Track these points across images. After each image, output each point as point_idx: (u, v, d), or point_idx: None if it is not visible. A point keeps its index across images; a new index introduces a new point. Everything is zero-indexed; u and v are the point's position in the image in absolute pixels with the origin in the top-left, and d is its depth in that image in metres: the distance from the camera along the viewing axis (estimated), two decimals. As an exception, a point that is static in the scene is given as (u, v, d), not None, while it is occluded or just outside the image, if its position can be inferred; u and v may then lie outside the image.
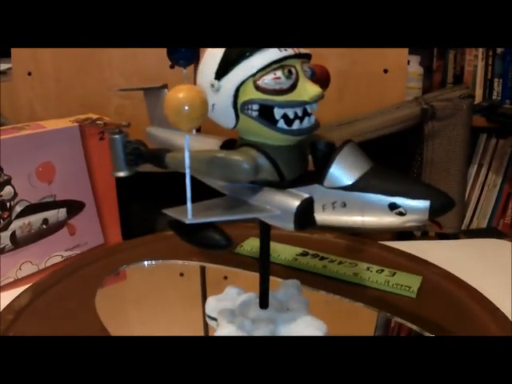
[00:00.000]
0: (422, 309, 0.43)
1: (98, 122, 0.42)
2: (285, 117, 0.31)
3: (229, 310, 0.40)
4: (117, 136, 0.38)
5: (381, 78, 0.67)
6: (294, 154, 0.33)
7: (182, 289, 0.51)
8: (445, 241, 0.67)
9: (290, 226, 0.32)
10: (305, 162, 0.34)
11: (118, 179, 0.61)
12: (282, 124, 0.31)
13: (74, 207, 0.59)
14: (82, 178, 0.59)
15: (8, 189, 0.54)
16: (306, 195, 0.32)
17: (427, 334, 0.39)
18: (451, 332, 0.40)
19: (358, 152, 0.32)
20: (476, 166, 0.93)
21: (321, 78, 0.34)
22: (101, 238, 0.61)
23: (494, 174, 0.94)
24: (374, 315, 0.43)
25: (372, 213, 0.30)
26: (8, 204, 0.54)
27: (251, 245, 0.53)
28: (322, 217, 0.32)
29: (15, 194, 0.54)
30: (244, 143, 0.34)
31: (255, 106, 0.31)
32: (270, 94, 0.31)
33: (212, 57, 0.32)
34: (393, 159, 0.66)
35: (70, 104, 0.62)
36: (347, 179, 0.31)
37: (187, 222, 0.31)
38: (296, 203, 0.32)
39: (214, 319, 0.41)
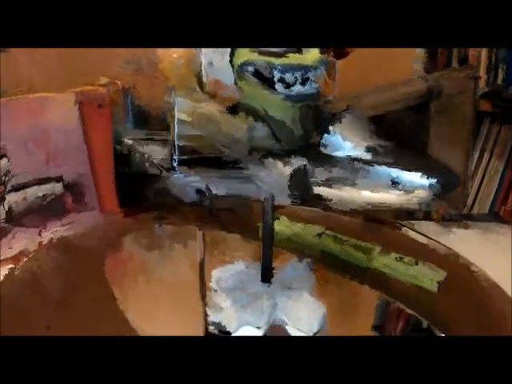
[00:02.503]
0: (440, 304, 0.41)
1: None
2: (283, 80, 0.29)
3: (230, 282, 0.39)
4: None
5: (388, 53, 0.64)
6: (294, 121, 0.31)
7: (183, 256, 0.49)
8: (449, 222, 0.65)
9: (283, 193, 0.30)
10: (307, 129, 0.31)
11: (116, 151, 0.60)
12: (279, 87, 0.29)
13: (70, 179, 0.56)
14: (80, 149, 0.56)
15: (3, 161, 0.52)
16: (302, 163, 0.30)
17: (437, 332, 0.38)
18: (464, 332, 0.37)
19: (361, 120, 0.30)
20: (478, 151, 0.90)
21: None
22: (97, 209, 0.58)
23: (497, 160, 0.91)
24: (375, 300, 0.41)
25: (371, 187, 0.28)
26: (3, 178, 0.52)
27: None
28: (319, 188, 0.30)
29: (11, 167, 0.52)
30: (243, 107, 0.32)
31: (251, 68, 0.29)
32: (269, 55, 0.29)
33: None
34: (398, 136, 0.64)
35: (71, 76, 0.59)
36: (345, 147, 0.29)
37: (174, 175, 0.30)
38: (290, 170, 0.30)
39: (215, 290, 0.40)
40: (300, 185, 0.29)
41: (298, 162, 0.30)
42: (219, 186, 0.32)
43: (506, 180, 0.92)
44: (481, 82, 0.89)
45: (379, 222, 0.52)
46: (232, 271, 0.41)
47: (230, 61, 0.30)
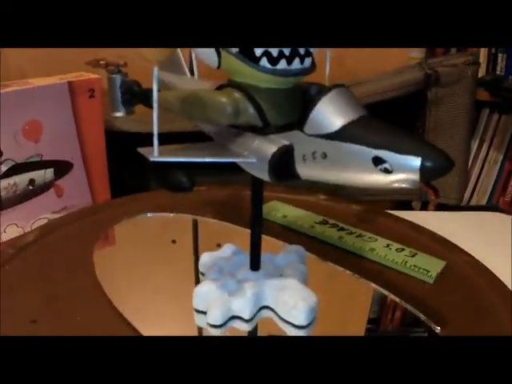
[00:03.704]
0: (436, 297, 0.38)
1: (101, 61, 0.39)
2: (268, 55, 0.27)
3: (218, 268, 0.37)
4: (114, 75, 0.36)
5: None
6: (281, 98, 0.29)
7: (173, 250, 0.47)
8: (445, 212, 0.64)
9: (265, 175, 0.29)
10: (295, 108, 0.29)
11: (108, 139, 0.59)
12: (264, 62, 0.27)
13: (61, 167, 0.55)
14: (71, 137, 0.55)
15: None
16: (285, 142, 0.28)
17: (432, 326, 0.35)
18: (461, 326, 0.35)
19: (348, 98, 0.28)
20: (477, 141, 0.89)
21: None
22: (89, 200, 0.57)
23: (496, 151, 0.90)
24: (371, 291, 0.39)
25: (354, 167, 0.26)
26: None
27: (271, 207, 0.49)
28: (302, 169, 0.28)
29: (0, 153, 0.51)
30: (230, 84, 0.30)
31: None
32: None
33: None
34: (395, 125, 0.62)
35: (60, 62, 0.58)
36: (329, 126, 0.27)
37: (151, 159, 0.28)
38: (272, 150, 0.28)
39: (203, 274, 0.38)
40: (283, 165, 0.28)
41: (281, 141, 0.28)
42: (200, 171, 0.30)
43: (505, 170, 0.91)
44: (480, 71, 0.87)
45: (376, 213, 0.50)
46: (222, 256, 0.39)
47: None
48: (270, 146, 0.28)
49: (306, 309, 0.33)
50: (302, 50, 0.28)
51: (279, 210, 0.48)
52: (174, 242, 0.48)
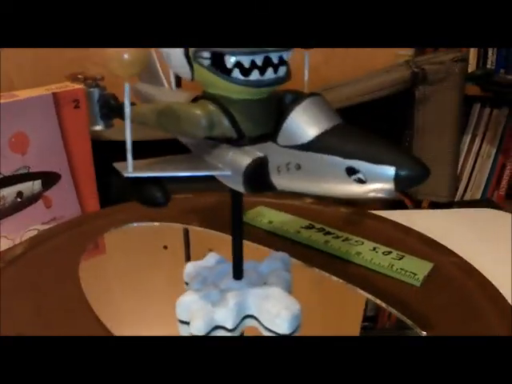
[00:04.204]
0: (423, 300, 0.37)
1: (79, 76, 0.39)
2: (239, 66, 0.27)
3: (201, 277, 0.36)
4: (92, 89, 0.36)
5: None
6: (256, 109, 0.28)
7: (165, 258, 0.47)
8: (437, 210, 0.63)
9: (240, 187, 0.28)
10: (271, 118, 0.29)
11: (96, 149, 0.58)
12: (236, 74, 0.27)
13: (49, 179, 0.55)
14: (57, 148, 0.54)
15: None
16: (259, 154, 0.28)
17: (418, 331, 0.34)
18: (448, 330, 0.34)
19: (323, 107, 0.27)
20: (469, 136, 0.88)
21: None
22: (78, 210, 0.57)
23: (488, 145, 0.89)
24: (363, 299, 0.38)
25: (328, 178, 0.25)
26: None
27: (257, 213, 0.49)
28: (278, 180, 0.28)
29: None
30: (204, 96, 0.30)
31: (206, 54, 0.27)
32: None
33: None
34: (382, 125, 0.61)
35: (47, 74, 0.57)
36: (302, 137, 0.26)
37: (125, 175, 0.28)
38: (246, 162, 0.28)
39: (187, 284, 0.38)
40: (257, 177, 0.27)
41: (256, 153, 0.28)
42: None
43: (499, 164, 0.90)
44: (470, 66, 0.87)
45: (364, 215, 0.49)
46: (206, 266, 0.38)
47: (185, 51, 0.28)
48: (244, 158, 0.28)
49: (288, 317, 0.33)
50: (275, 59, 0.27)
51: (265, 215, 0.48)
52: (165, 247, 0.47)
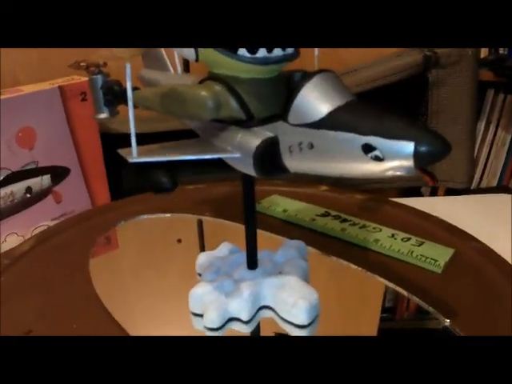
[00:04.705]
0: (445, 287, 0.35)
1: (82, 63, 0.37)
2: None
3: (215, 268, 0.35)
4: (95, 76, 0.34)
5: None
6: (264, 88, 0.27)
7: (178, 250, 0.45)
8: (454, 196, 0.61)
9: (250, 170, 0.26)
10: (280, 98, 0.27)
11: (105, 142, 0.57)
12: (243, 51, 0.25)
13: (58, 173, 0.53)
14: (65, 142, 0.53)
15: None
16: (270, 134, 0.26)
17: (441, 318, 0.32)
18: (473, 319, 0.32)
19: (334, 83, 0.25)
20: (484, 123, 0.86)
21: None
22: (89, 204, 0.55)
23: (504, 132, 0.86)
24: (382, 288, 0.36)
25: (343, 157, 0.23)
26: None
27: (271, 202, 0.47)
28: (290, 162, 0.26)
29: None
30: (210, 77, 0.28)
31: None
32: None
33: None
34: (395, 111, 0.59)
35: (52, 68, 0.56)
36: (314, 114, 0.24)
37: (130, 160, 0.26)
38: (255, 143, 0.26)
39: (200, 275, 0.36)
40: (268, 158, 0.25)
41: (266, 133, 0.26)
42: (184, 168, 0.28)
43: (514, 151, 0.88)
44: (482, 52, 0.84)
45: (381, 202, 0.47)
46: (219, 256, 0.37)
47: None
48: (253, 140, 0.26)
49: (306, 307, 0.31)
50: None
51: (279, 204, 0.46)
52: (179, 241, 0.46)
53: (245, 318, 0.31)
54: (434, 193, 0.73)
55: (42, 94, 0.51)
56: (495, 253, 0.39)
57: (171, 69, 0.36)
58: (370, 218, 0.43)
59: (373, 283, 0.36)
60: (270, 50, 0.25)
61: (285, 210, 0.45)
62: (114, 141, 0.56)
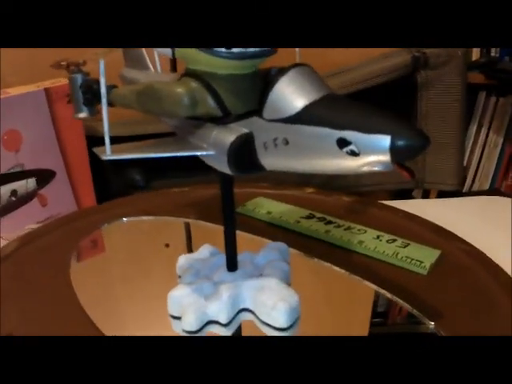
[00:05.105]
0: (430, 289, 0.34)
1: (62, 63, 0.37)
2: None
3: (194, 270, 0.34)
4: (74, 75, 0.34)
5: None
6: (241, 85, 0.26)
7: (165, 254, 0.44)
8: (445, 199, 0.60)
9: (225, 167, 0.26)
10: (257, 94, 0.26)
11: (91, 145, 0.56)
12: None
13: (44, 176, 0.52)
14: (51, 145, 0.52)
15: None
16: (245, 130, 0.25)
17: (426, 321, 0.31)
18: (459, 321, 0.32)
19: (310, 77, 0.24)
20: (476, 125, 0.85)
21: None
22: (74, 207, 0.54)
23: (495, 134, 0.85)
24: (371, 291, 0.35)
25: (319, 152, 0.22)
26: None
27: (256, 204, 0.46)
28: (265, 159, 0.25)
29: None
30: (187, 73, 0.27)
31: None
32: None
33: None
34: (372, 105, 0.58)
35: (40, 69, 0.55)
36: (289, 109, 0.23)
37: (103, 157, 0.26)
38: (230, 139, 0.25)
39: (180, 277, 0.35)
40: (243, 155, 0.25)
41: (240, 129, 0.25)
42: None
43: (506, 154, 0.87)
44: (474, 54, 0.84)
45: (367, 204, 0.46)
46: (199, 258, 0.36)
47: None
48: (228, 136, 0.25)
49: (286, 309, 0.30)
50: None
51: (264, 206, 0.45)
52: (167, 245, 0.45)
53: (223, 320, 0.31)
54: (426, 195, 0.72)
55: (28, 97, 0.50)
56: (483, 254, 0.38)
57: (151, 67, 0.35)
58: (355, 220, 0.42)
59: (358, 286, 0.35)
60: None
61: (269, 212, 0.44)
62: (99, 143, 0.56)
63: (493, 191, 0.84)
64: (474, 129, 0.84)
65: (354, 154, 0.22)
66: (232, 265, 0.33)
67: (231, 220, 0.32)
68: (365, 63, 0.57)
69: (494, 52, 0.83)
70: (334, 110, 0.23)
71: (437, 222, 0.44)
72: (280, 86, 0.24)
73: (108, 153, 0.26)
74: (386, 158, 0.21)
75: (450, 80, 0.57)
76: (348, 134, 0.22)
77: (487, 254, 0.38)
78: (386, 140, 0.21)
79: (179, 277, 0.35)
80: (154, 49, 0.33)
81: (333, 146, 0.22)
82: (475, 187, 0.86)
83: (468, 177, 0.86)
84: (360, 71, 0.56)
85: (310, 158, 0.23)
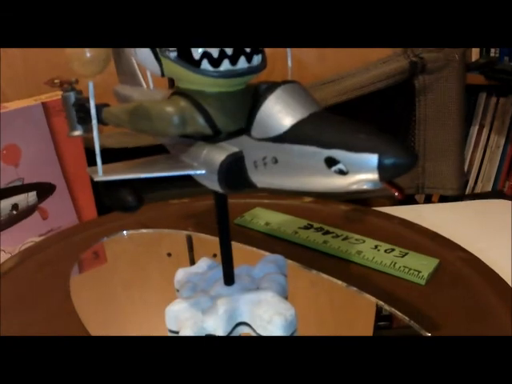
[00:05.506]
0: (428, 299, 0.34)
1: (56, 80, 0.37)
2: (208, 56, 0.24)
3: (192, 284, 0.34)
4: (67, 93, 0.33)
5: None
6: (230, 102, 0.26)
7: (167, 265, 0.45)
8: (446, 203, 0.60)
9: (216, 186, 0.26)
10: (247, 111, 0.26)
11: (91, 157, 0.56)
12: (205, 65, 0.24)
13: (44, 190, 0.53)
14: (50, 158, 0.52)
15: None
16: (235, 149, 0.25)
17: (423, 332, 0.31)
18: (455, 330, 0.31)
19: (299, 94, 0.24)
20: (477, 127, 0.84)
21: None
22: (75, 220, 0.55)
23: (497, 135, 0.85)
24: (371, 303, 0.35)
25: (307, 171, 0.23)
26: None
27: (254, 215, 0.46)
28: (256, 177, 0.25)
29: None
30: (177, 91, 0.27)
31: (172, 48, 0.25)
32: None
33: None
34: (383, 119, 0.58)
35: (39, 83, 0.56)
36: (276, 128, 0.23)
37: (95, 179, 0.26)
38: (220, 159, 0.25)
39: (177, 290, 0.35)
40: (233, 174, 0.25)
41: (231, 148, 0.25)
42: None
43: (508, 154, 0.86)
44: (474, 55, 0.83)
45: (366, 212, 0.46)
46: (197, 272, 0.36)
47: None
48: (218, 155, 0.25)
49: (282, 323, 0.30)
50: (247, 48, 0.25)
51: (262, 217, 0.45)
52: (169, 255, 0.45)
53: (221, 334, 0.31)
54: (428, 200, 0.72)
55: (26, 111, 0.51)
56: (481, 262, 0.38)
57: (144, 84, 0.36)
58: (353, 230, 0.42)
59: (355, 297, 0.35)
60: (233, 63, 0.25)
61: (267, 223, 0.44)
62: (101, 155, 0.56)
63: (495, 193, 0.83)
64: (475, 130, 0.83)
65: (342, 172, 0.22)
66: (229, 279, 0.33)
67: (227, 236, 0.32)
68: (362, 69, 0.57)
69: (493, 52, 0.83)
70: (322, 128, 0.23)
71: (437, 228, 0.44)
72: (267, 104, 0.24)
73: (100, 174, 0.26)
74: (374, 176, 0.21)
75: (448, 84, 0.57)
76: (336, 153, 0.22)
77: (488, 259, 0.38)
78: (373, 158, 0.21)
79: (177, 290, 0.36)
80: (141, 64, 0.34)
81: (321, 165, 0.22)
82: (477, 189, 0.85)
83: (470, 179, 0.85)
84: (357, 78, 0.56)
85: (299, 176, 0.23)
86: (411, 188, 0.61)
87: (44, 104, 0.51)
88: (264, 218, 0.45)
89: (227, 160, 0.25)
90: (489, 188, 0.85)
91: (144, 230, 0.47)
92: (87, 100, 0.34)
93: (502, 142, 0.85)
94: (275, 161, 0.24)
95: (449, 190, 0.60)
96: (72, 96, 0.34)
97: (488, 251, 0.40)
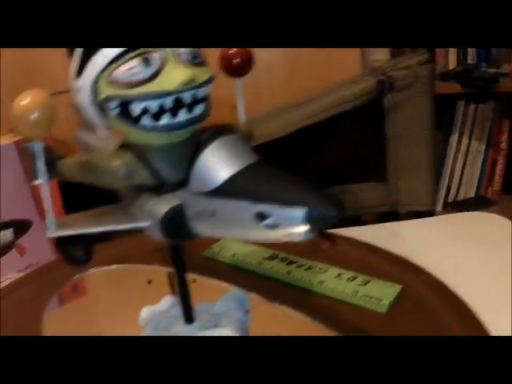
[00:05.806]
0: (389, 328, 0.34)
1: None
2: (147, 112, 0.25)
3: (155, 322, 0.35)
4: (28, 144, 0.34)
5: (332, 52, 0.59)
6: (175, 154, 0.26)
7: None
8: (421, 219, 0.60)
9: (160, 236, 0.26)
10: (185, 163, 0.27)
11: (64, 191, 0.57)
12: (146, 120, 0.25)
13: (20, 227, 0.53)
14: (25, 195, 0.53)
15: None
16: (176, 201, 0.26)
17: None
18: None
19: (234, 146, 0.25)
20: (457, 135, 0.85)
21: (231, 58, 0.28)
22: (53, 255, 0.55)
23: (477, 141, 0.85)
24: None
25: (241, 225, 0.23)
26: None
27: (222, 246, 0.46)
28: (198, 227, 0.26)
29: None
30: (124, 144, 0.28)
31: (113, 104, 0.25)
32: (124, 87, 0.25)
33: (75, 57, 0.27)
34: (352, 138, 0.59)
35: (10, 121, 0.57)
36: (212, 182, 0.24)
37: (47, 235, 0.27)
38: (162, 211, 0.26)
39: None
40: (175, 226, 0.25)
41: (173, 201, 0.26)
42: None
43: (489, 159, 0.87)
44: (451, 62, 0.84)
45: (331, 239, 0.46)
46: (160, 310, 0.36)
47: (93, 100, 0.26)
48: (160, 207, 0.26)
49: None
50: (188, 99, 0.25)
51: (229, 248, 0.45)
52: (149, 282, 0.46)
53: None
54: (418, 214, 0.72)
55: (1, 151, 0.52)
56: (444, 286, 0.39)
57: (100, 132, 0.36)
58: (318, 258, 0.42)
59: (316, 330, 0.36)
60: (173, 116, 0.25)
61: (234, 255, 0.44)
62: (73, 188, 0.57)
63: (479, 199, 0.84)
64: (455, 138, 0.84)
65: (272, 226, 0.22)
66: (188, 318, 0.33)
67: (183, 279, 0.32)
68: (330, 90, 0.58)
69: (471, 59, 0.83)
70: (253, 182, 0.24)
71: (413, 245, 0.44)
72: (202, 159, 0.25)
73: (51, 230, 0.27)
74: (303, 228, 0.22)
75: (417, 101, 0.57)
76: (265, 208, 0.22)
77: (460, 274, 0.38)
78: (301, 212, 0.22)
79: (143, 328, 0.36)
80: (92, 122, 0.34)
81: (252, 219, 0.23)
82: (460, 196, 0.85)
83: (452, 186, 0.85)
84: (325, 100, 0.56)
85: (236, 229, 0.24)
86: (385, 205, 0.62)
87: (16, 143, 0.52)
88: (231, 249, 0.45)
89: (169, 212, 0.26)
90: (472, 194, 0.86)
91: (113, 267, 0.47)
92: (47, 150, 0.34)
93: (483, 147, 0.85)
94: (213, 214, 0.24)
95: (421, 205, 0.60)
96: (31, 147, 0.35)
97: (462, 267, 0.40)
